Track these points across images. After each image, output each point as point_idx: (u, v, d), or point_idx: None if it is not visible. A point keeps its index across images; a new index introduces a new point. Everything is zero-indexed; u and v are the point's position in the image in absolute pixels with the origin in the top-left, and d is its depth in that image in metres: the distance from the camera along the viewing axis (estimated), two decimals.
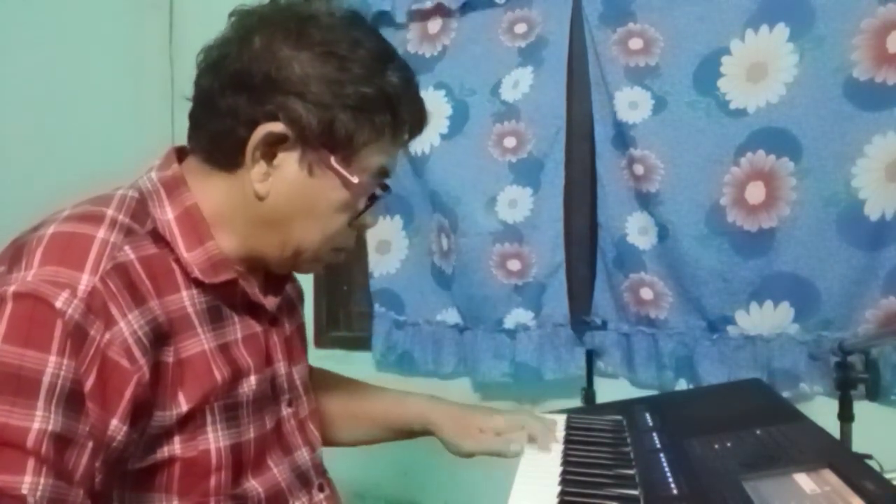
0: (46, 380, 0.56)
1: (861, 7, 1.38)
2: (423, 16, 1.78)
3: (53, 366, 0.56)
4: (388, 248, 1.89)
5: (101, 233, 0.63)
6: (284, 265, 0.77)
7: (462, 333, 1.81)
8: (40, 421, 0.55)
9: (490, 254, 1.71)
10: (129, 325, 0.61)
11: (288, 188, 0.70)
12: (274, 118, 0.67)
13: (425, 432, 0.95)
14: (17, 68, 1.68)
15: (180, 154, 0.75)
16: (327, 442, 0.92)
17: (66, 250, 0.61)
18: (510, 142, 1.70)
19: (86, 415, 0.58)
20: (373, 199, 0.75)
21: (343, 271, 2.00)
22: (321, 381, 0.98)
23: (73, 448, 0.57)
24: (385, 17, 1.78)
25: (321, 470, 0.86)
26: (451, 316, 1.83)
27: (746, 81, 1.48)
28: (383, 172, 0.75)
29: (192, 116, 0.72)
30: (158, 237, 0.68)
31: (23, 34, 1.72)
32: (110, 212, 0.66)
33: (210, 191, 0.72)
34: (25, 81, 1.69)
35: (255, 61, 0.67)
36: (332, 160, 0.69)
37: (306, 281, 1.95)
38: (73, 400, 0.57)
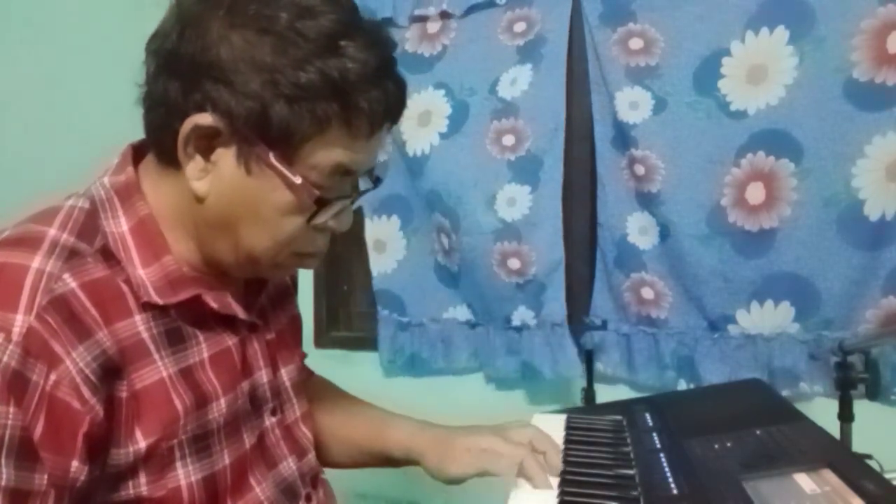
0: None
1: (861, 8, 1.38)
2: (423, 17, 1.78)
3: None
4: (384, 248, 1.90)
5: (37, 261, 0.56)
6: (244, 271, 0.69)
7: (474, 329, 1.83)
8: None
9: (492, 252, 1.72)
10: (74, 364, 0.55)
11: (227, 188, 0.62)
12: (202, 109, 0.59)
13: (408, 462, 0.85)
14: (18, 68, 1.68)
15: (139, 151, 0.68)
16: (320, 463, 0.85)
17: None
18: (508, 140, 1.70)
19: (41, 463, 0.54)
20: (323, 202, 0.63)
21: (343, 271, 2.00)
22: (312, 397, 0.89)
23: (34, 499, 0.54)
24: (385, 20, 1.78)
25: (310, 477, 0.80)
26: (461, 313, 1.84)
27: (747, 83, 1.48)
28: (342, 170, 0.64)
29: (141, 103, 0.64)
30: (109, 255, 0.61)
31: (23, 34, 1.72)
32: (52, 231, 0.59)
33: (163, 193, 0.65)
34: (25, 81, 1.70)
35: (184, 41, 0.59)
36: (271, 157, 0.60)
37: (306, 280, 1.97)
38: (24, 450, 0.53)
